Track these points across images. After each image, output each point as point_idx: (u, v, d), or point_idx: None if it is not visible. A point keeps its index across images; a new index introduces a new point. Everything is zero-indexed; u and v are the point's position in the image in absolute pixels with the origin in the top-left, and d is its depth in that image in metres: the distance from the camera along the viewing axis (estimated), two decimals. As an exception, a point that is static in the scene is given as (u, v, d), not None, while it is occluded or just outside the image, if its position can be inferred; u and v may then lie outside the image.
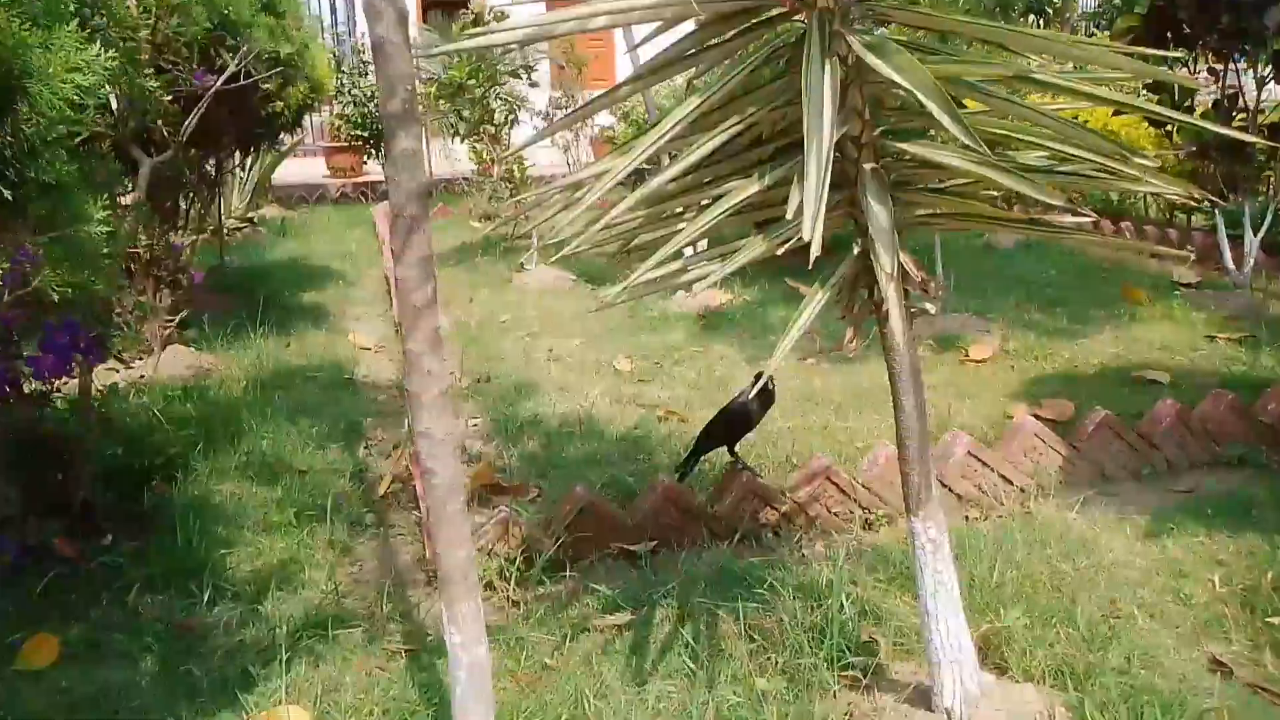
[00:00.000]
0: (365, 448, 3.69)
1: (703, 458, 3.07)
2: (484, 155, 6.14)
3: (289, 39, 3.94)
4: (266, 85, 3.63)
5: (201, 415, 3.75)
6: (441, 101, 6.13)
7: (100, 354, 2.77)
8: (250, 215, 7.94)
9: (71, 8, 1.22)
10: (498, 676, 2.19)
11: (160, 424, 3.47)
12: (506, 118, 6.22)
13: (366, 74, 10.06)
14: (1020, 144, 1.60)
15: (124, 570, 2.67)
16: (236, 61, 3.11)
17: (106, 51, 1.21)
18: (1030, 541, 2.67)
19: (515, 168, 6.21)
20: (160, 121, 2.89)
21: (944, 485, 3.04)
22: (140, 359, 4.22)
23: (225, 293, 5.80)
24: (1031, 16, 8.11)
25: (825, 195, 1.38)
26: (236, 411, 3.80)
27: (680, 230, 1.64)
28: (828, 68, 1.47)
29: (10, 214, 1.16)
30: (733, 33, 1.66)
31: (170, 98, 2.99)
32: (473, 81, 5.94)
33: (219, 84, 2.95)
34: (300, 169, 10.91)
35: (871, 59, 1.44)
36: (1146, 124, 5.87)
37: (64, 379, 2.89)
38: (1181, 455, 3.25)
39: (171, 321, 4.25)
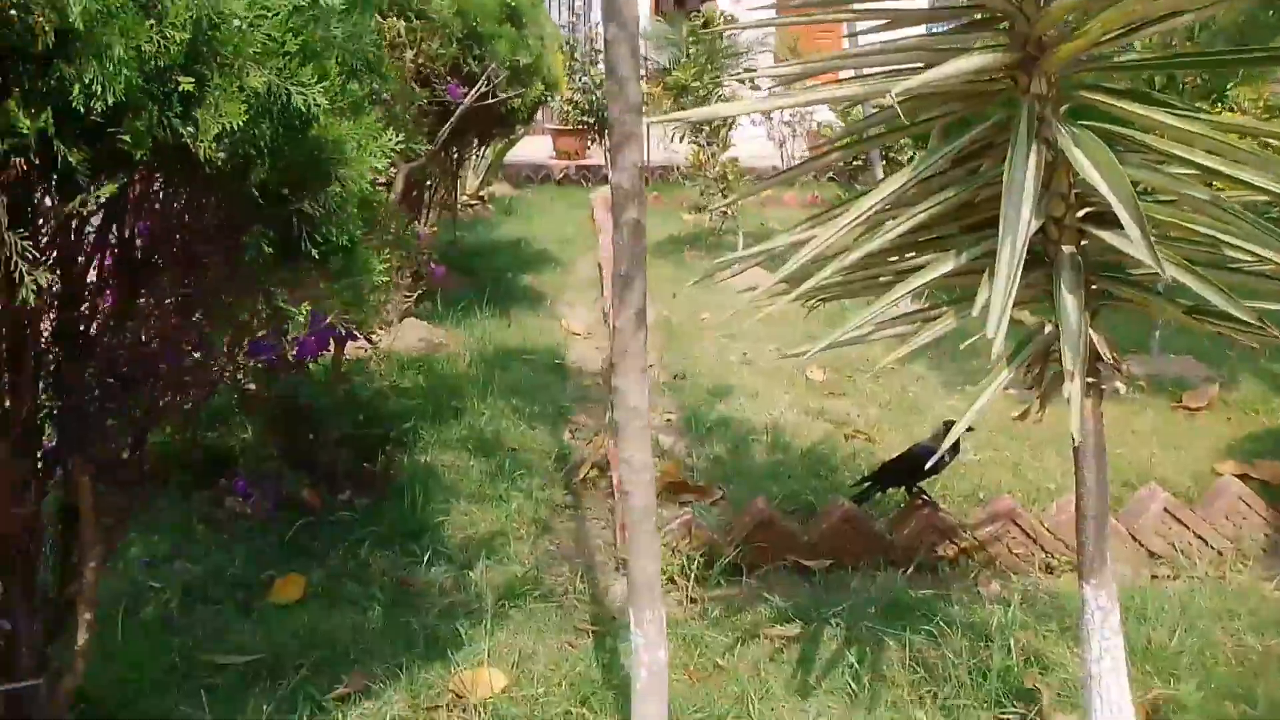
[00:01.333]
0: (570, 432, 3.99)
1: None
2: (699, 156, 6.34)
3: (528, 48, 4.27)
4: (506, 93, 3.98)
5: (430, 387, 4.17)
6: (666, 101, 6.39)
7: (352, 335, 3.16)
8: (482, 194, 8.51)
9: (369, 97, 1.48)
10: (673, 669, 2.40)
11: (394, 395, 3.91)
12: (726, 120, 6.39)
13: (596, 62, 10.48)
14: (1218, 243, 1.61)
15: (357, 525, 3.06)
16: (483, 79, 3.44)
17: (391, 131, 1.46)
18: (1219, 610, 2.62)
19: (729, 170, 6.38)
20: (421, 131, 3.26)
21: (1136, 540, 3.00)
22: (382, 330, 4.72)
23: (456, 269, 6.30)
24: None
25: (1014, 293, 1.47)
26: (460, 386, 4.20)
27: (880, 295, 1.76)
28: (1031, 160, 1.55)
29: (315, 266, 1.44)
30: (941, 110, 1.76)
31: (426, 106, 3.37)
32: (697, 84, 6.15)
33: (469, 100, 3.29)
34: (529, 148, 11.51)
35: (1074, 153, 1.51)
36: None
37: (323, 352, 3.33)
38: None
39: (410, 298, 4.71)
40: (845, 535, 2.95)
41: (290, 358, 3.16)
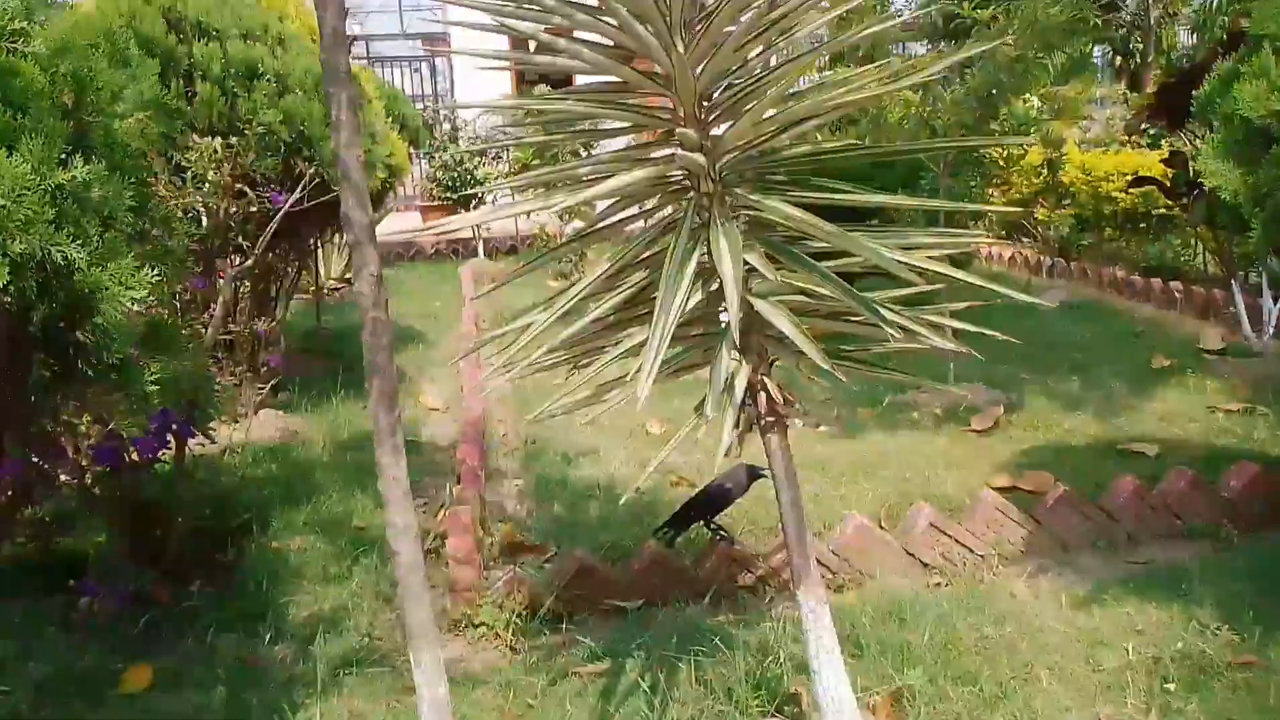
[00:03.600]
0: (419, 506, 4.23)
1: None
2: (545, 230, 6.73)
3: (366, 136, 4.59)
4: (338, 188, 4.26)
5: (283, 476, 4.38)
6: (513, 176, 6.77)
7: (190, 432, 3.38)
8: (348, 276, 8.73)
9: (127, 242, 1.77)
10: (487, 712, 2.69)
11: (245, 485, 4.11)
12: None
13: (457, 140, 10.87)
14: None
15: (205, 613, 3.26)
16: (301, 188, 3.75)
17: (151, 268, 1.75)
18: (969, 608, 3.02)
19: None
20: (242, 237, 3.52)
21: (909, 554, 3.40)
22: (236, 423, 4.91)
23: (319, 355, 6.50)
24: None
25: (658, 363, 1.82)
26: (312, 472, 4.41)
27: (591, 363, 2.10)
28: (695, 253, 1.92)
29: (93, 384, 1.72)
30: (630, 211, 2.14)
31: (253, 213, 3.65)
32: (538, 162, 6.56)
33: (287, 205, 3.58)
34: (401, 224, 11.81)
35: (722, 252, 1.88)
36: (1161, 194, 6.02)
37: (163, 451, 3.54)
38: (1142, 529, 3.52)
39: (263, 390, 4.92)
40: (655, 575, 3.27)
41: (131, 459, 3.37)
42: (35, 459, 3.08)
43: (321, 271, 8.53)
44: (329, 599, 3.40)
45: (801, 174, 2.20)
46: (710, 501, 3.34)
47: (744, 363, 2.14)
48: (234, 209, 3.35)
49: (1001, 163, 8.23)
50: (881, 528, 3.61)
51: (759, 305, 2.06)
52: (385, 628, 3.25)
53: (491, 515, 4.06)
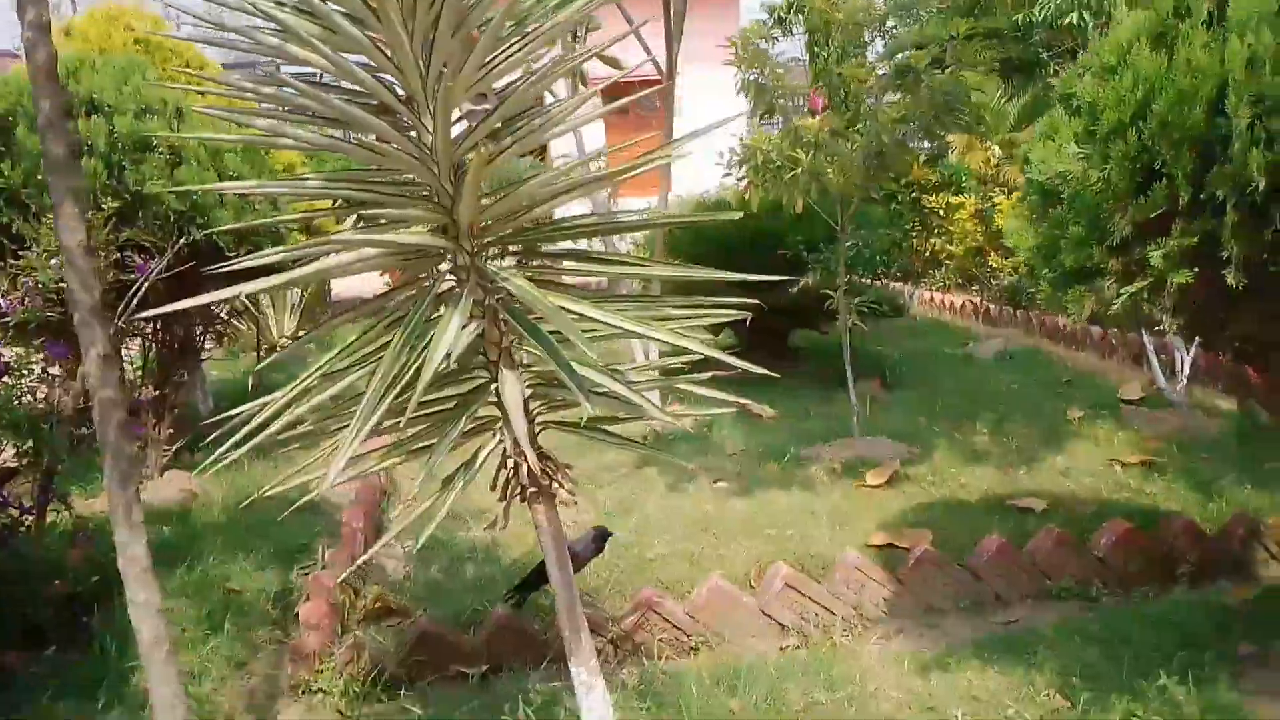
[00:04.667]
0: (301, 569, 4.19)
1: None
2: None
3: (256, 210, 4.62)
4: (234, 254, 4.31)
5: (173, 538, 4.35)
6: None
7: (46, 500, 3.38)
8: (300, 332, 8.76)
9: None
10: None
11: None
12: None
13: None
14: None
15: (49, 679, 3.22)
16: (170, 251, 3.77)
17: None
18: (810, 672, 2.96)
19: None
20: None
21: (766, 615, 3.34)
22: (140, 486, 4.90)
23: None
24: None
25: (360, 436, 1.80)
26: (201, 535, 4.39)
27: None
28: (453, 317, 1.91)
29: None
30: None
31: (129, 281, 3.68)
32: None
33: (153, 275, 3.60)
34: (364, 281, 11.85)
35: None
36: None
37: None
38: (1010, 588, 3.45)
39: (169, 451, 4.92)
40: (505, 639, 3.22)
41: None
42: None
43: (273, 328, 8.59)
44: (180, 663, 3.33)
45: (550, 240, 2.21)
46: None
47: (500, 434, 2.11)
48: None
49: (941, 212, 8.27)
50: (751, 587, 3.56)
51: (504, 375, 2.04)
52: (231, 691, 3.20)
53: (371, 577, 4.02)
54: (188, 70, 4.98)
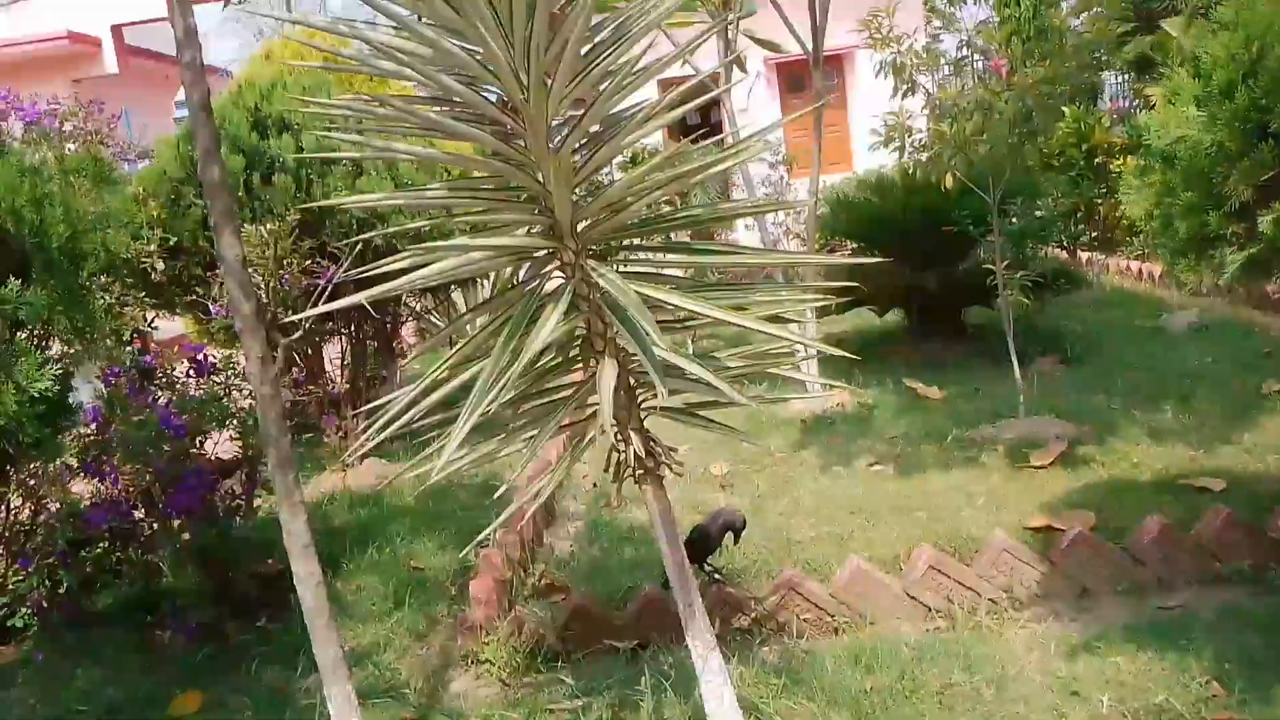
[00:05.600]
0: (476, 550, 4.52)
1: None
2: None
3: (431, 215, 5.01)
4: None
5: (367, 520, 4.80)
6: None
7: (254, 488, 3.84)
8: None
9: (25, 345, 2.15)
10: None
11: (328, 530, 4.55)
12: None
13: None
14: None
15: (258, 647, 3.66)
16: (349, 255, 4.15)
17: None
18: (949, 653, 2.95)
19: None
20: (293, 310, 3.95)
21: (910, 596, 3.34)
22: (343, 472, 5.42)
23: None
24: None
25: (471, 420, 1.98)
26: (392, 517, 4.81)
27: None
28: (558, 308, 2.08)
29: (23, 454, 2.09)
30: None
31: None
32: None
33: (334, 277, 4.00)
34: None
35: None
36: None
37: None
38: (1173, 571, 3.29)
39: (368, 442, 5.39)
40: (651, 616, 3.38)
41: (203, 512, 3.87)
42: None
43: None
44: (367, 634, 3.72)
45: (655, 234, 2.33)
46: (692, 545, 3.42)
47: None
48: (283, 283, 3.81)
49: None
50: (900, 569, 3.56)
51: (602, 365, 2.19)
52: (409, 662, 3.53)
53: (540, 556, 4.29)
54: (359, 94, 5.41)
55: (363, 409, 5.45)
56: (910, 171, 5.88)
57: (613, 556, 4.16)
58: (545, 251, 2.26)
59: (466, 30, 2.04)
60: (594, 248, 2.24)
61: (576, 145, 2.23)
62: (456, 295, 8.93)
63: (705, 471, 5.00)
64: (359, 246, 4.26)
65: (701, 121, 14.82)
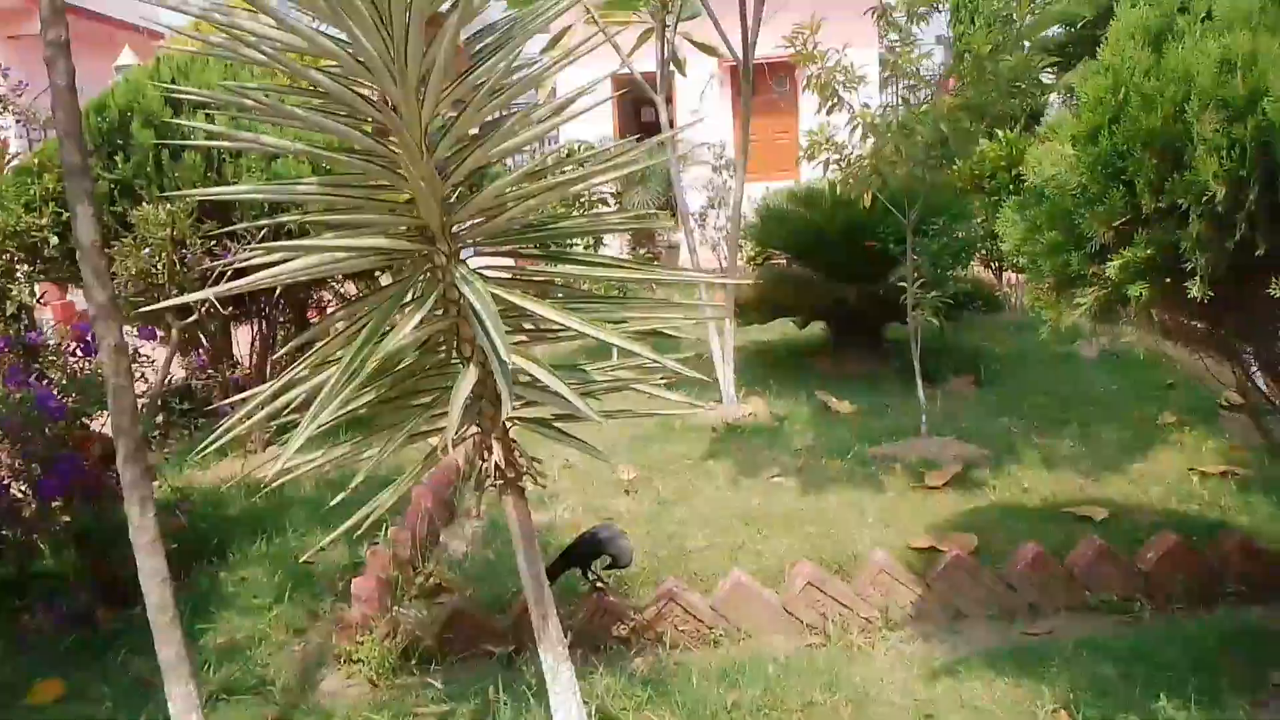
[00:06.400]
0: (371, 544, 4.47)
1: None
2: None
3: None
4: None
5: (263, 509, 4.71)
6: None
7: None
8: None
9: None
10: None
11: (218, 517, 4.46)
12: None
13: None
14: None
15: (129, 635, 3.57)
16: (247, 246, 4.08)
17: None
18: (814, 671, 2.98)
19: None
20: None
21: (788, 612, 3.36)
22: (245, 458, 5.32)
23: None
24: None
25: (319, 420, 1.95)
26: (289, 507, 4.72)
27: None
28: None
29: None
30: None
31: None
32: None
33: (234, 261, 3.92)
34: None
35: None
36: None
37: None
38: (1045, 599, 3.35)
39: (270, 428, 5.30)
40: (529, 622, 3.35)
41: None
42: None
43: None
44: (243, 628, 3.65)
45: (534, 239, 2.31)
46: (581, 551, 3.41)
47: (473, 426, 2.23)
48: (183, 263, 3.72)
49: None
50: (781, 583, 3.58)
51: (463, 371, 2.16)
52: (281, 658, 3.47)
53: (435, 555, 4.24)
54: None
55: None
56: (834, 187, 5.92)
57: (506, 559, 4.12)
58: (417, 253, 2.24)
59: (342, 25, 1.99)
60: (476, 251, 2.22)
61: (452, 148, 2.21)
62: (385, 277, 8.86)
63: (614, 474, 4.99)
64: (264, 231, 4.17)
65: (653, 121, 14.82)
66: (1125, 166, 1.98)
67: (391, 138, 2.14)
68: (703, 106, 13.77)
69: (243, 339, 5.98)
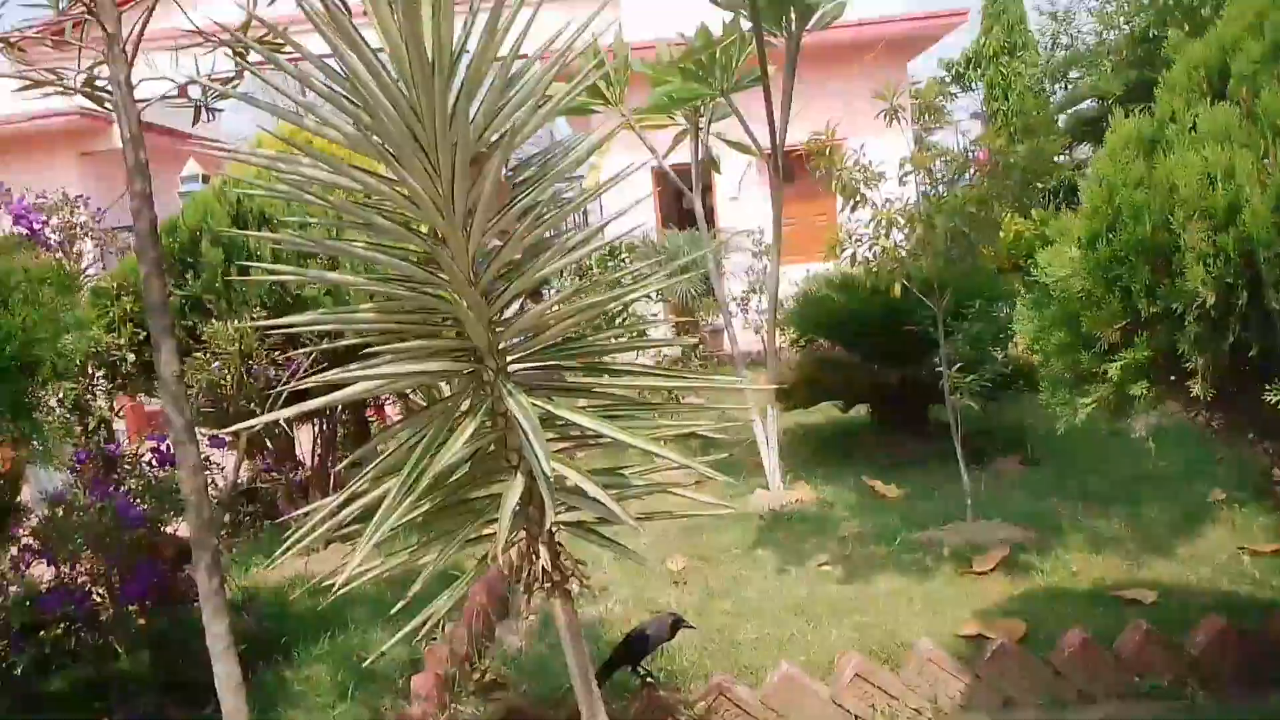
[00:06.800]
0: (429, 642, 4.59)
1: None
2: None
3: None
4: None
5: (327, 607, 4.87)
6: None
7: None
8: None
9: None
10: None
11: (286, 617, 4.63)
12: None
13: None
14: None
15: (197, 736, 3.72)
16: (310, 356, 4.35)
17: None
18: (865, 763, 3.01)
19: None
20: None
21: (837, 704, 3.41)
22: (308, 556, 5.51)
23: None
24: None
25: (387, 524, 2.10)
26: (352, 605, 4.88)
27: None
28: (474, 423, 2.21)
29: None
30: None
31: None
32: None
33: (300, 371, 4.16)
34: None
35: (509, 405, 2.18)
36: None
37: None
38: (1095, 685, 3.36)
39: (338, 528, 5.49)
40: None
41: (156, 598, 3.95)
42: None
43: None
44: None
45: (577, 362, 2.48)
46: (630, 649, 3.50)
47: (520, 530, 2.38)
48: (250, 374, 3.98)
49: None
50: (831, 674, 3.62)
51: (511, 480, 2.32)
52: (347, 756, 3.59)
53: (490, 652, 4.35)
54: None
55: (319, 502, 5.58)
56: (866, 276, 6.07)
57: (559, 654, 4.20)
58: (467, 371, 2.42)
59: (396, 171, 2.22)
60: (523, 367, 2.39)
61: (498, 273, 2.41)
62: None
63: (663, 565, 5.08)
64: (324, 340, 4.41)
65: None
66: (1122, 273, 2.11)
67: (440, 270, 2.35)
68: (741, 194, 14.10)
69: (305, 437, 6.25)
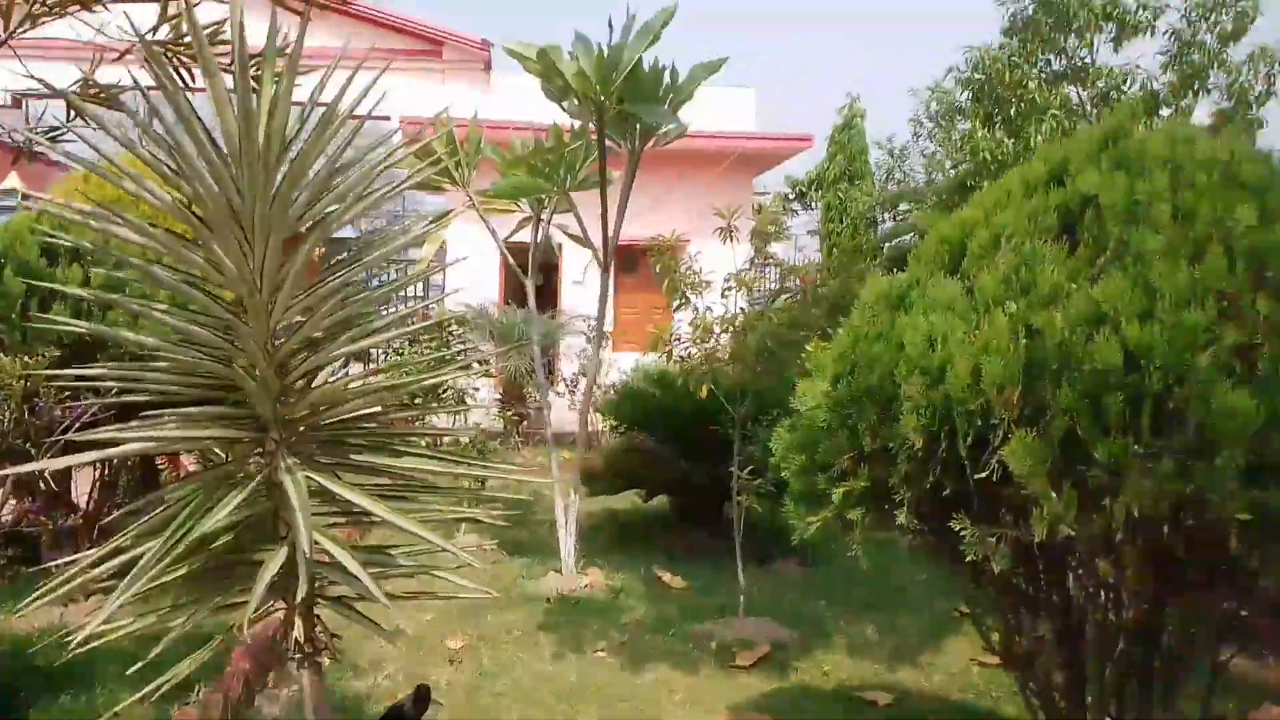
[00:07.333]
0: (183, 704, 4.42)
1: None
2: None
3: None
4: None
5: (71, 663, 4.61)
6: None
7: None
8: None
9: None
10: None
11: (27, 670, 4.36)
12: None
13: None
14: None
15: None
16: (97, 400, 4.22)
17: None
18: None
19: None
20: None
21: (588, 788, 3.52)
22: (65, 606, 5.20)
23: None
24: None
25: (132, 587, 2.12)
26: (102, 662, 4.64)
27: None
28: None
29: None
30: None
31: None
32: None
33: (85, 414, 4.02)
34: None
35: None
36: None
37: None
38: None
39: (101, 579, 5.22)
40: (335, 792, 3.42)
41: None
42: None
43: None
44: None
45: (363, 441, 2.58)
46: (388, 726, 3.52)
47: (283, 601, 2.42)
48: (35, 412, 3.84)
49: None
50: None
51: (276, 551, 2.37)
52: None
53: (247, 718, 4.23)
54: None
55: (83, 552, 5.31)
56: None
57: (323, 725, 4.15)
58: (247, 439, 2.47)
59: (208, 245, 2.29)
60: (308, 440, 2.46)
61: (296, 348, 2.49)
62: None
63: (442, 643, 5.09)
64: (116, 392, 4.29)
65: (541, 288, 15.40)
66: (853, 411, 2.41)
67: (238, 339, 2.42)
68: (585, 279, 14.45)
69: (86, 479, 5.93)
